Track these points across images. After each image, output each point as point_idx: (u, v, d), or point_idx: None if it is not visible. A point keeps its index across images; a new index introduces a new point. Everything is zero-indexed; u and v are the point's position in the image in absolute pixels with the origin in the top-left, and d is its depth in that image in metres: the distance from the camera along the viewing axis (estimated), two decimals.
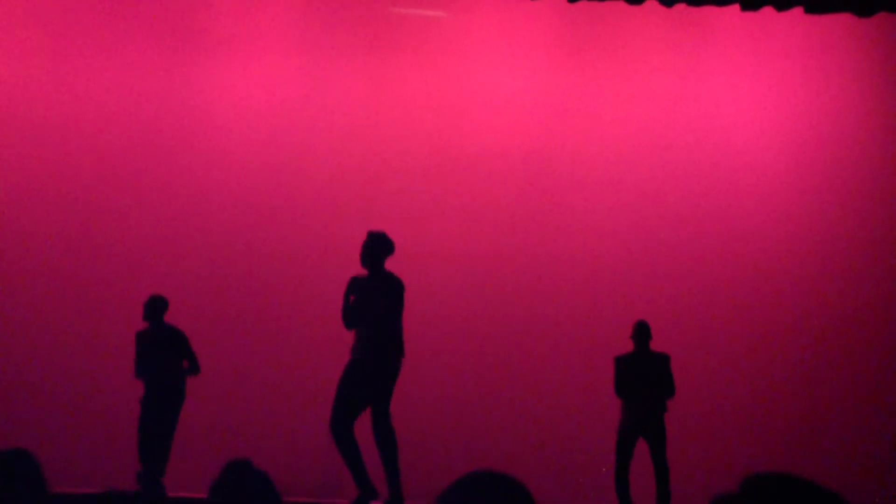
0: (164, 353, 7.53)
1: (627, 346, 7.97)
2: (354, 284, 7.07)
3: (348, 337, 7.15)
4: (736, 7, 9.39)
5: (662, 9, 9.41)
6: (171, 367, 7.54)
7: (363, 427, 7.08)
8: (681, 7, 9.37)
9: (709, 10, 9.49)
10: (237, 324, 8.58)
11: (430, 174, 9.26)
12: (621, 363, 7.88)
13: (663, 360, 7.88)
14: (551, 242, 9.27)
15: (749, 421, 8.83)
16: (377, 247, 7.05)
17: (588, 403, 8.66)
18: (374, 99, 9.35)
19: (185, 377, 7.59)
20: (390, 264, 7.08)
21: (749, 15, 9.49)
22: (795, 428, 8.96)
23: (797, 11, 9.40)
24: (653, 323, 8.19)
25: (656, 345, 7.94)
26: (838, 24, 9.64)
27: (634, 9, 9.41)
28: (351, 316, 6.98)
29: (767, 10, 9.41)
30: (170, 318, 7.68)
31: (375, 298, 6.97)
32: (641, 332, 7.90)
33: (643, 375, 7.81)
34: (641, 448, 7.85)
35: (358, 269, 7.17)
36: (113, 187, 9.07)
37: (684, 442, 8.26)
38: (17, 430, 7.79)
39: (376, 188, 9.17)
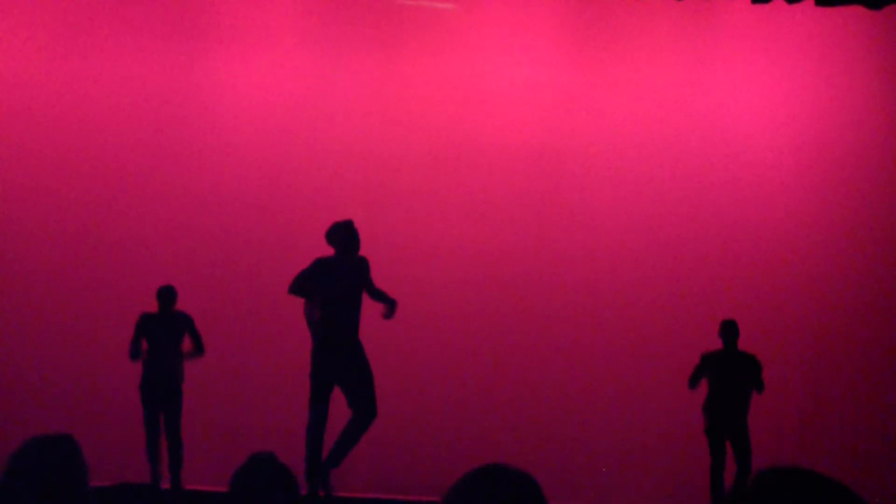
0: (168, 337, 7.58)
1: (631, 345, 7.99)
2: (324, 266, 7.26)
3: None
4: (746, 0, 9.31)
5: (671, 2, 9.32)
6: (173, 353, 7.57)
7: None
8: (690, 0, 9.29)
9: (718, 3, 9.42)
10: (241, 320, 8.60)
11: (437, 168, 9.21)
12: (708, 361, 7.74)
13: (752, 360, 7.78)
14: (558, 238, 9.23)
15: (749, 420, 8.85)
16: (356, 234, 7.31)
17: (590, 402, 8.67)
18: (380, 93, 9.28)
19: (184, 363, 7.63)
20: (394, 257, 7.60)
21: (759, 8, 9.40)
22: (796, 427, 8.98)
23: (807, 4, 9.31)
24: (656, 321, 8.20)
25: (658, 343, 7.92)
26: (849, 16, 9.55)
27: (643, 2, 9.32)
28: (309, 293, 7.23)
29: (778, 3, 9.33)
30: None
31: (352, 282, 7.29)
32: (730, 330, 7.77)
33: (731, 375, 7.72)
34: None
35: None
36: (116, 184, 9.04)
37: (685, 440, 8.30)
38: (26, 428, 7.82)
39: (381, 183, 9.13)
